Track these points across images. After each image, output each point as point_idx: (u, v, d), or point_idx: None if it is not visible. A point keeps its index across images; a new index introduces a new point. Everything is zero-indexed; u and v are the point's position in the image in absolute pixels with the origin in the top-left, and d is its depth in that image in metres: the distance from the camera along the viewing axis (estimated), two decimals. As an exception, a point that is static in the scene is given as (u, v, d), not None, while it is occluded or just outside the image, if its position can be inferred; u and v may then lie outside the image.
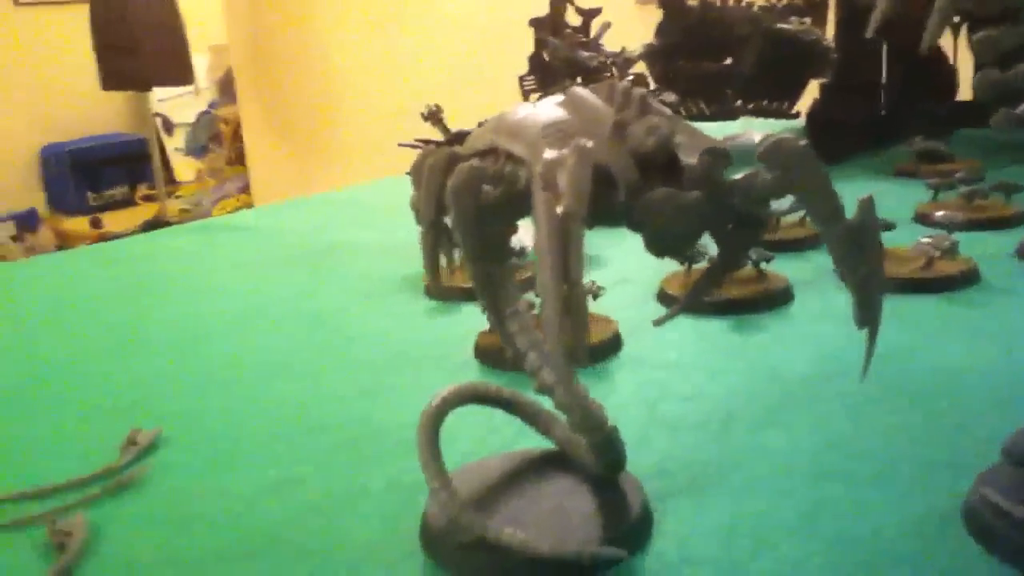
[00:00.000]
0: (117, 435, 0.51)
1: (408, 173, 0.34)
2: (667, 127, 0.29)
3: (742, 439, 0.47)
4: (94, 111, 4.51)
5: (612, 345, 0.59)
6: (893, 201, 0.95)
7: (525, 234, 0.33)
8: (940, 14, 0.33)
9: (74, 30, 3.66)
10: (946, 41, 1.19)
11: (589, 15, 1.18)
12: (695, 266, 0.69)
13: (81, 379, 0.63)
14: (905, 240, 0.72)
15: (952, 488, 0.40)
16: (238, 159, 4.03)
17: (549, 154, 0.26)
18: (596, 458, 0.40)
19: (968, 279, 0.67)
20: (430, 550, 0.38)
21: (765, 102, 1.39)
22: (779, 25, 1.28)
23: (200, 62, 4.03)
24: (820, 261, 0.76)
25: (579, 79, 1.13)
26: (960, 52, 1.23)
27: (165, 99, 4.48)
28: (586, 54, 1.09)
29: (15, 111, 4.33)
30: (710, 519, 0.40)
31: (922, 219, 0.85)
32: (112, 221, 4.15)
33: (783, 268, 0.74)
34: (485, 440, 0.48)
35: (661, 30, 1.38)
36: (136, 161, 4.43)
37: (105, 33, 3.33)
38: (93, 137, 4.58)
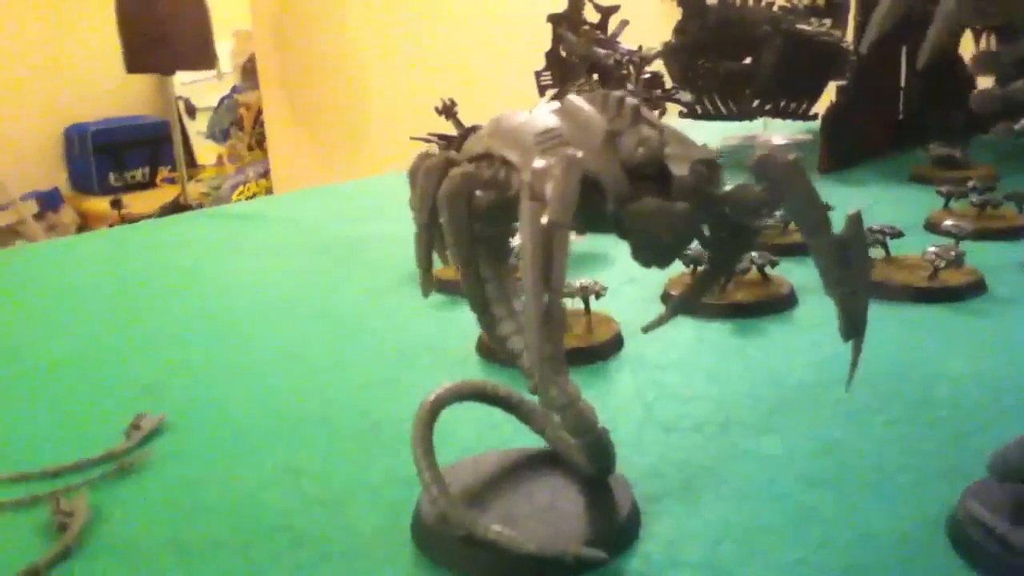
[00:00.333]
0: (124, 420, 0.52)
1: (407, 174, 0.34)
2: (658, 138, 0.30)
3: (737, 443, 0.48)
4: (118, 93, 4.55)
5: (613, 345, 0.60)
6: (905, 207, 0.95)
7: None
8: (940, 27, 0.33)
9: (100, 13, 3.68)
10: (966, 47, 1.18)
11: (607, 12, 1.18)
12: (700, 268, 0.69)
13: (91, 363, 0.64)
14: (913, 248, 0.72)
15: (943, 499, 0.40)
16: (259, 145, 4.05)
17: (538, 163, 0.27)
18: (586, 459, 0.40)
19: (974, 289, 0.67)
20: (422, 544, 0.39)
21: (783, 103, 1.39)
22: (799, 26, 1.28)
23: (224, 47, 4.05)
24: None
25: (595, 76, 1.13)
26: (981, 58, 1.22)
27: (188, 83, 4.51)
28: (602, 51, 1.09)
29: (40, 91, 4.36)
30: (699, 522, 0.40)
31: (933, 227, 0.85)
32: (133, 203, 4.18)
33: (789, 272, 0.74)
34: (484, 436, 0.49)
35: (680, 29, 1.37)
36: (158, 144, 4.46)
37: (130, 16, 3.35)
38: (116, 119, 4.61)
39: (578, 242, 0.78)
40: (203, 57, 3.55)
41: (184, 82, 4.41)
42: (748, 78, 1.33)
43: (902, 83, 1.30)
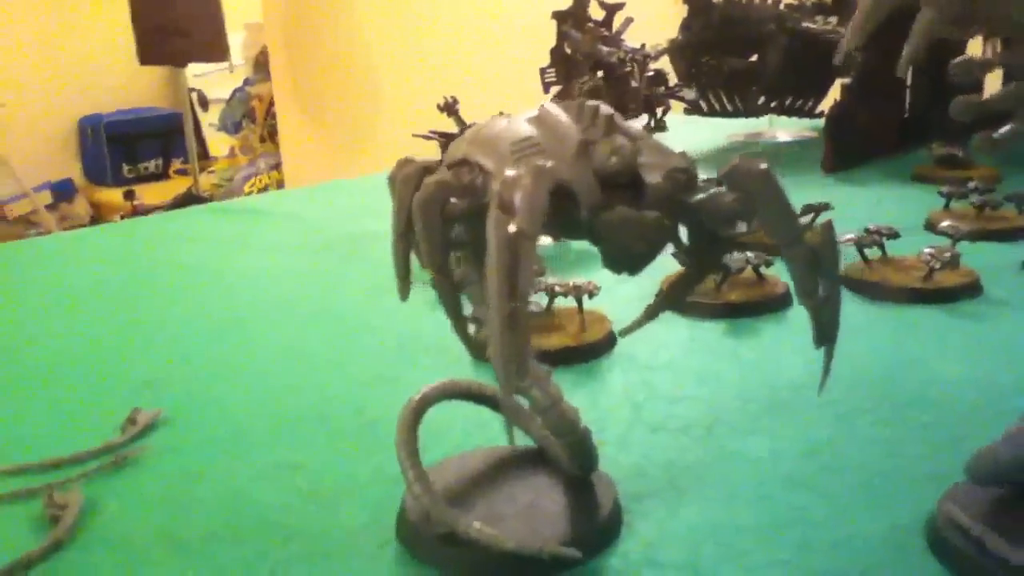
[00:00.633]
0: (121, 414, 0.53)
1: (387, 179, 0.35)
2: (631, 147, 0.30)
3: (724, 444, 0.48)
4: (131, 85, 4.57)
5: (605, 344, 0.60)
6: (905, 207, 0.95)
7: None
8: (917, 40, 0.34)
9: (114, 4, 3.70)
10: (974, 48, 1.17)
11: (612, 9, 1.18)
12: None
13: (92, 358, 0.65)
14: (912, 248, 0.73)
15: (925, 502, 0.41)
16: (270, 137, 4.07)
17: (508, 172, 0.27)
18: (569, 459, 0.41)
19: (969, 291, 0.67)
20: (405, 541, 0.40)
21: (789, 100, 1.39)
22: (804, 23, 1.28)
23: (236, 39, 4.07)
24: (825, 266, 0.77)
25: (599, 73, 1.13)
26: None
27: (201, 75, 4.52)
28: (606, 49, 1.10)
29: (55, 82, 4.39)
30: (681, 522, 0.41)
31: (932, 227, 0.85)
32: (145, 194, 4.21)
33: (785, 273, 0.74)
34: (472, 435, 0.50)
35: (686, 26, 1.38)
36: (171, 135, 4.49)
37: (143, 8, 3.37)
38: (129, 110, 4.64)
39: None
40: (215, 49, 3.56)
41: (196, 74, 4.42)
42: (753, 75, 1.33)
43: (908, 81, 1.30)
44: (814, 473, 0.45)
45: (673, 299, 0.39)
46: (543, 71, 1.20)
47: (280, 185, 3.85)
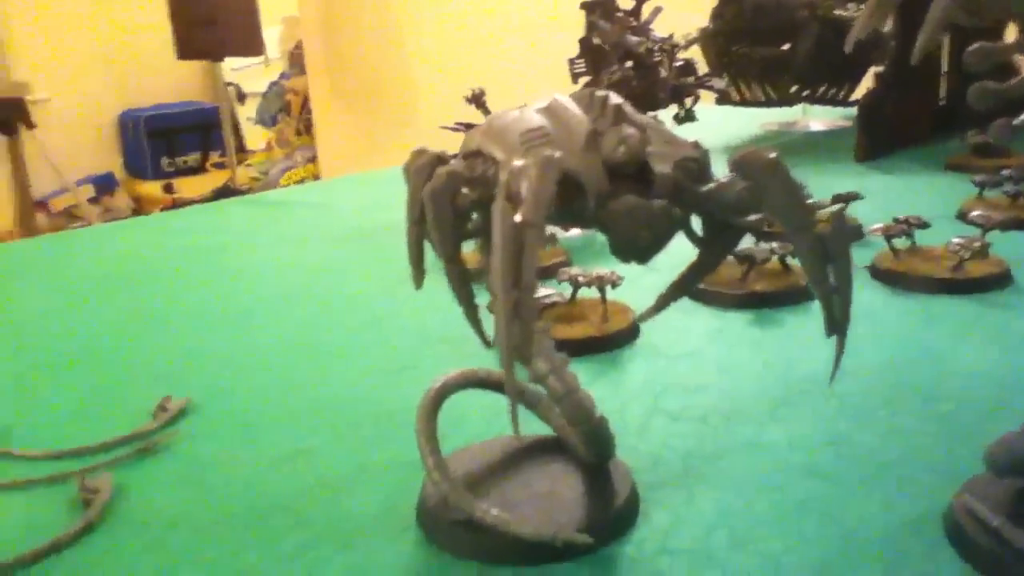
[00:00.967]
0: (152, 401, 0.54)
1: (402, 170, 0.35)
2: (638, 137, 0.31)
3: (742, 433, 0.48)
4: (171, 80, 4.63)
5: (628, 334, 0.61)
6: (938, 196, 0.94)
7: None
8: (930, 30, 0.34)
9: (152, 1, 3.75)
10: (1011, 34, 1.15)
11: (641, -1, 1.17)
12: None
13: (124, 346, 0.67)
14: (943, 238, 0.72)
15: (942, 493, 0.40)
16: (306, 130, 4.10)
17: (516, 162, 0.28)
18: (585, 447, 0.41)
19: (999, 281, 0.66)
20: (424, 527, 0.40)
21: (822, 89, 1.37)
22: (836, 11, 1.26)
23: (272, 33, 4.11)
24: (856, 257, 0.76)
25: (628, 63, 1.13)
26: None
27: (239, 69, 4.57)
28: (634, 39, 1.09)
29: (96, 77, 4.47)
30: (696, 511, 0.41)
31: (964, 217, 0.84)
32: (184, 187, 4.27)
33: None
34: (492, 423, 0.50)
35: (717, 14, 1.37)
36: (209, 129, 4.55)
37: (181, 4, 3.41)
38: (169, 105, 4.71)
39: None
40: (251, 43, 3.60)
41: (234, 68, 4.48)
42: (786, 64, 1.32)
43: (943, 69, 1.28)
44: (831, 463, 0.45)
45: (685, 287, 0.39)
46: (571, 62, 1.19)
47: (316, 177, 3.88)
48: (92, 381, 0.61)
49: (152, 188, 4.43)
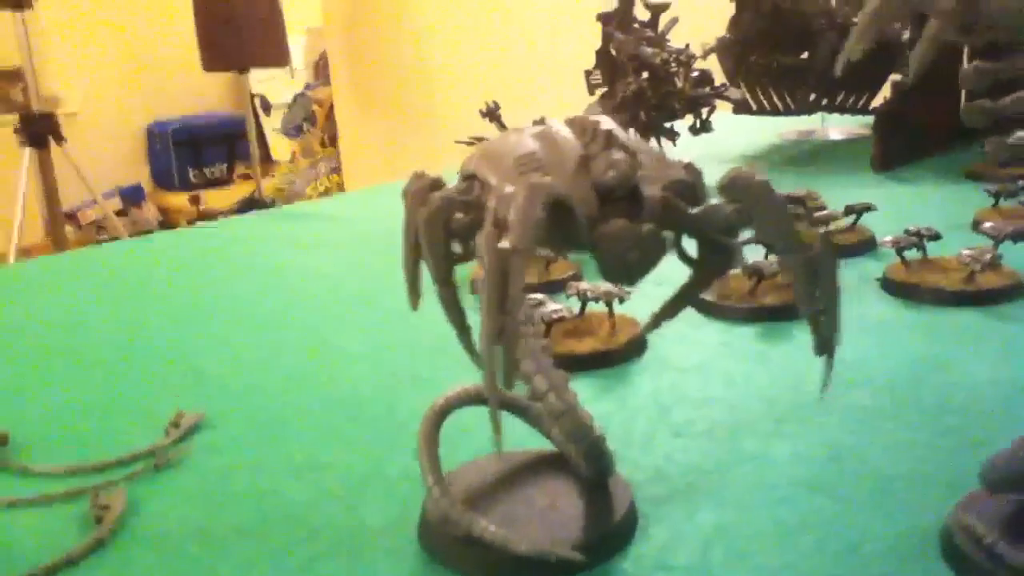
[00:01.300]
0: (167, 415, 0.55)
1: (401, 193, 0.36)
2: (628, 161, 0.31)
3: (746, 447, 0.48)
4: (197, 91, 4.69)
5: (635, 348, 0.61)
6: (954, 207, 0.94)
7: None
8: (926, 48, 0.34)
9: (178, 12, 3.80)
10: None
11: (657, 10, 1.18)
12: (731, 273, 0.70)
13: (141, 359, 0.68)
14: (956, 249, 0.71)
15: (942, 509, 0.41)
16: (331, 140, 4.14)
17: (505, 189, 0.28)
18: (584, 464, 0.42)
19: (1010, 293, 0.66)
20: (425, 542, 0.41)
21: (840, 97, 1.37)
22: (855, 18, 1.26)
23: (297, 44, 4.15)
24: (867, 268, 0.76)
25: (644, 75, 1.13)
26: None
27: (264, 80, 4.62)
28: (650, 50, 1.10)
29: (124, 90, 4.53)
30: (695, 526, 0.41)
31: (977, 228, 0.83)
32: (210, 198, 4.32)
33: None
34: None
35: (734, 23, 1.37)
36: (235, 140, 4.60)
37: (206, 15, 3.46)
38: (196, 116, 4.76)
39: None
40: (276, 55, 3.64)
41: (260, 79, 4.52)
42: (804, 72, 1.32)
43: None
44: (833, 477, 0.45)
45: (679, 306, 0.39)
46: (588, 73, 1.20)
47: (340, 188, 3.91)
48: (110, 395, 0.62)
49: (179, 199, 4.49)
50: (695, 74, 1.12)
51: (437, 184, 0.34)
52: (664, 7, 1.19)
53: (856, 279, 0.74)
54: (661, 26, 1.20)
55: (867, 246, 0.81)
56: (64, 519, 0.45)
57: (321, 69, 4.25)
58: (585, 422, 0.40)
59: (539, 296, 0.62)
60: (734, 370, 0.59)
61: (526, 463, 0.46)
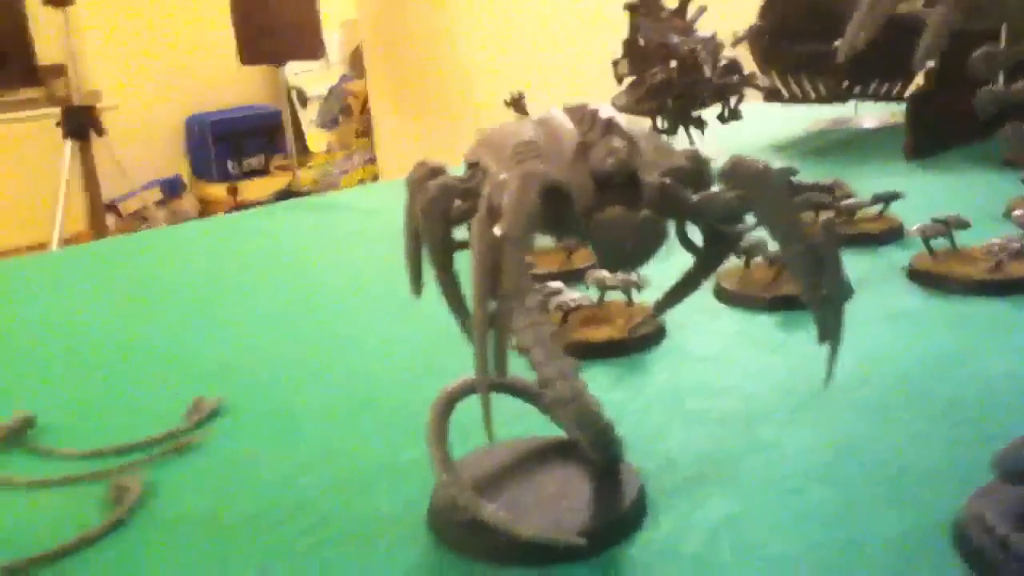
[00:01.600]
0: (187, 401, 0.56)
1: (405, 181, 0.36)
2: (626, 149, 0.31)
3: (759, 437, 0.48)
4: (235, 84, 4.74)
5: (654, 337, 0.61)
6: (988, 195, 0.92)
7: None
8: (934, 35, 0.33)
9: (216, 7, 3.84)
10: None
11: (685, -2, 1.17)
12: (753, 261, 0.69)
13: (165, 346, 0.69)
14: (986, 238, 0.70)
15: (955, 500, 0.40)
16: (366, 132, 4.16)
17: (500, 176, 0.28)
18: (592, 450, 0.42)
19: (1039, 283, 0.65)
20: (434, 528, 0.41)
21: (874, 85, 1.35)
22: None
23: (332, 37, 4.17)
24: (895, 257, 0.75)
25: (672, 63, 1.12)
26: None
27: (301, 73, 4.66)
28: (677, 39, 1.09)
29: (164, 84, 4.59)
30: (704, 514, 0.41)
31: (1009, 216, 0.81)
32: (247, 189, 4.36)
33: (853, 263, 0.72)
34: (510, 425, 0.51)
35: (766, 11, 1.35)
36: (273, 132, 4.64)
37: (244, 10, 3.50)
38: (234, 109, 4.81)
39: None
40: (312, 48, 3.67)
41: (296, 72, 4.56)
42: (835, 60, 1.30)
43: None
44: (845, 468, 0.44)
45: (683, 293, 0.39)
46: (616, 63, 1.20)
47: (375, 179, 3.93)
48: (135, 380, 0.63)
49: (217, 190, 4.54)
50: (723, 62, 1.11)
51: (437, 172, 0.35)
52: (692, -5, 1.18)
53: (883, 268, 0.73)
54: (689, 14, 1.19)
55: (895, 235, 0.80)
56: (84, 500, 0.46)
57: (356, 62, 4.27)
58: (593, 409, 0.40)
59: (557, 284, 0.62)
60: (751, 360, 0.58)
61: (537, 450, 0.46)
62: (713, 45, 1.09)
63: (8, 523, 0.45)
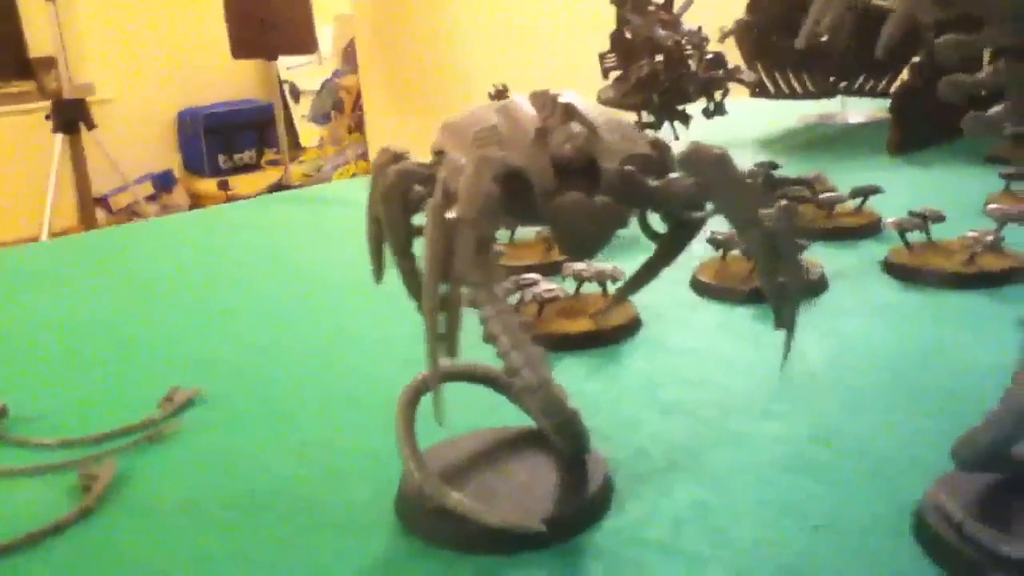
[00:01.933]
0: (166, 391, 0.56)
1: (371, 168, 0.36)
2: (585, 135, 0.31)
3: (732, 427, 0.48)
4: (228, 78, 4.73)
5: (630, 328, 0.61)
6: (968, 190, 0.92)
7: None
8: (896, 20, 0.33)
9: (208, 1, 3.83)
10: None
11: (672, -8, 1.17)
12: (730, 253, 0.69)
13: (147, 337, 0.69)
14: (963, 233, 0.71)
15: (924, 490, 0.40)
16: (358, 127, 4.16)
17: (458, 161, 0.28)
18: (558, 439, 0.42)
19: (1014, 276, 0.65)
20: (402, 516, 0.41)
21: (860, 80, 1.35)
22: (875, 1, 1.24)
23: (326, 31, 4.16)
24: (873, 251, 0.75)
25: (658, 57, 1.12)
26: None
27: (293, 67, 4.65)
28: (663, 32, 1.09)
29: (156, 77, 4.58)
30: (672, 502, 0.41)
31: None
32: (239, 184, 4.36)
33: (831, 257, 0.73)
34: (485, 415, 0.51)
35: (753, 5, 1.35)
36: (265, 127, 4.64)
37: (236, 3, 3.48)
38: (226, 103, 4.80)
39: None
40: (304, 42, 3.66)
41: (289, 67, 4.55)
42: (822, 55, 1.30)
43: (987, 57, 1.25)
44: (816, 458, 0.45)
45: (644, 280, 0.39)
46: (603, 56, 1.20)
47: (367, 174, 3.93)
48: (113, 371, 0.63)
49: (209, 185, 4.54)
50: (708, 56, 1.11)
51: (400, 158, 0.35)
52: (679, -11, 1.18)
53: (860, 262, 0.73)
54: (676, 8, 1.19)
55: (873, 229, 0.80)
56: (55, 489, 0.46)
57: (349, 56, 4.26)
58: (559, 398, 0.40)
59: (533, 276, 0.62)
60: (728, 351, 0.58)
61: (506, 439, 0.46)
62: (698, 39, 1.09)
63: (-21, 511, 0.45)
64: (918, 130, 1.14)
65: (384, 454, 0.48)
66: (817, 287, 0.66)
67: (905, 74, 1.17)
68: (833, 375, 0.54)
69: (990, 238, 0.64)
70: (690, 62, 1.12)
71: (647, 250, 0.49)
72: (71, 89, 3.18)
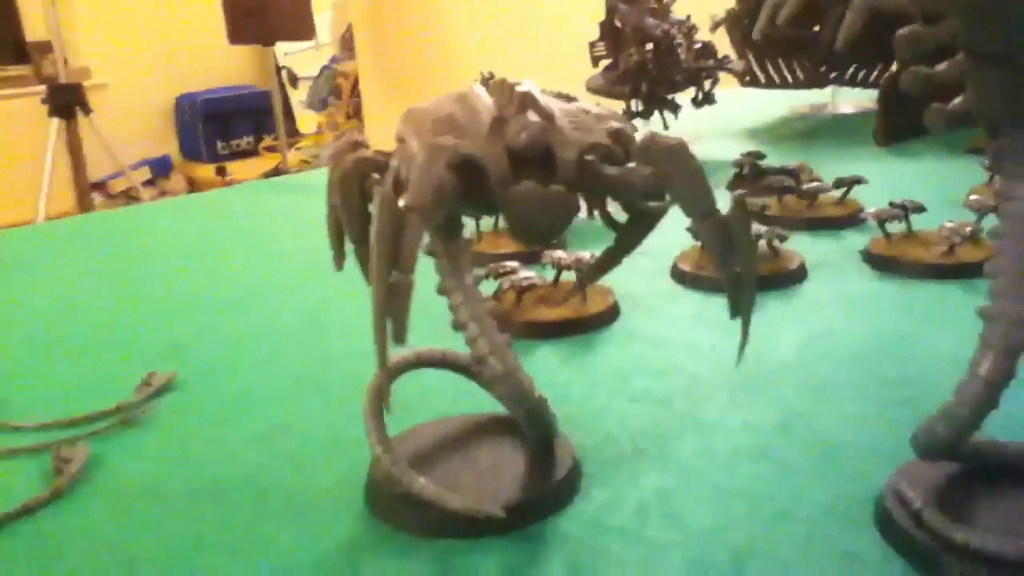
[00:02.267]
0: (142, 375, 0.56)
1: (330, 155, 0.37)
2: (540, 124, 0.31)
3: (700, 416, 0.49)
4: (226, 64, 4.72)
5: (607, 317, 0.61)
6: (952, 181, 0.92)
7: None
8: (857, 11, 0.34)
9: (205, -14, 3.82)
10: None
11: (662, -19, 1.17)
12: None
13: (124, 323, 0.69)
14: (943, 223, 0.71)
15: (884, 478, 0.41)
16: (355, 113, 4.15)
17: (410, 150, 0.29)
18: (525, 427, 0.42)
19: (990, 267, 0.65)
20: (370, 501, 0.42)
21: (851, 71, 1.35)
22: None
23: (323, 18, 4.15)
24: (854, 241, 0.76)
25: (647, 46, 1.12)
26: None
27: (291, 53, 4.64)
28: (652, 21, 1.09)
29: (153, 63, 4.57)
30: (636, 488, 0.42)
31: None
32: (236, 170, 4.35)
33: (812, 246, 0.74)
34: (458, 402, 0.51)
35: (744, -5, 1.35)
36: (262, 113, 4.63)
37: (233, -11, 3.47)
38: (224, 88, 4.79)
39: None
40: (302, 28, 3.64)
41: (287, 52, 4.54)
42: (813, 46, 1.31)
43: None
44: (781, 446, 0.45)
45: (603, 269, 0.40)
46: (592, 45, 1.20)
47: (364, 161, 3.93)
48: (92, 355, 0.63)
49: (206, 171, 4.53)
50: (697, 46, 1.11)
51: (358, 145, 0.35)
52: (669, -22, 1.18)
53: (840, 252, 0.74)
54: (666, -3, 1.19)
55: (856, 219, 0.80)
56: (28, 472, 0.47)
57: (347, 42, 4.26)
58: (525, 385, 0.40)
59: (512, 264, 0.63)
60: (701, 340, 0.59)
61: (475, 426, 0.46)
62: (687, 28, 1.09)
63: (-48, 493, 0.46)
64: (905, 121, 1.14)
65: (351, 442, 0.48)
66: (796, 276, 0.67)
67: (895, 66, 1.17)
68: (803, 364, 0.54)
69: (968, 229, 0.64)
70: (679, 51, 1.12)
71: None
72: (67, 73, 3.17)
